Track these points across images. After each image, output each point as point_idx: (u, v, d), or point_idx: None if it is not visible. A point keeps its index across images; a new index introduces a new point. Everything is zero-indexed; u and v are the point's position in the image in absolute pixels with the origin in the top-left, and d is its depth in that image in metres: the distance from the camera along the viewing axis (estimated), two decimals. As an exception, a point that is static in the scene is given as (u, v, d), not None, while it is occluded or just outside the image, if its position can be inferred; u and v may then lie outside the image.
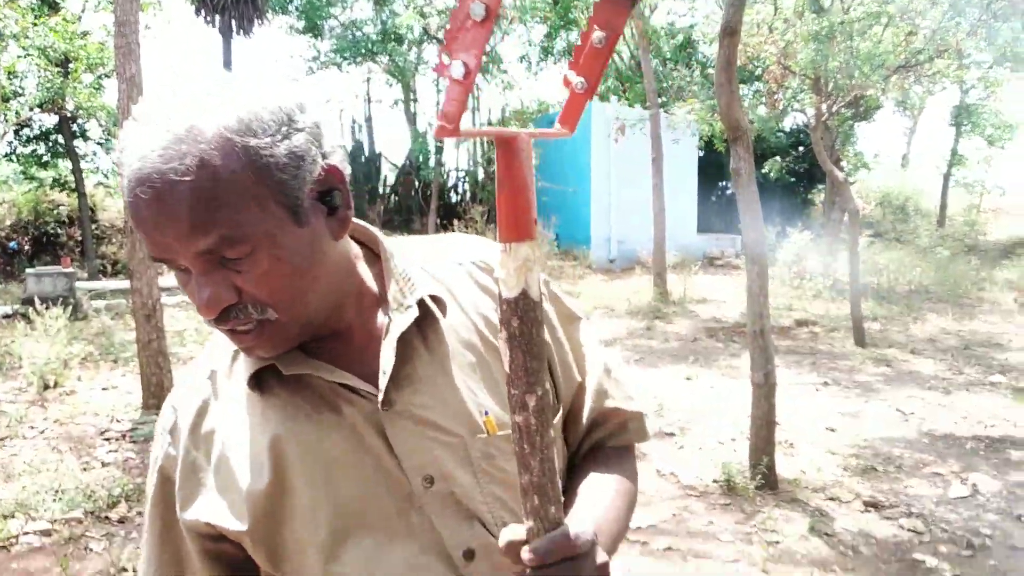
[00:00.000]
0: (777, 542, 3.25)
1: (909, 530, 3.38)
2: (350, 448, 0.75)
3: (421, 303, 0.79)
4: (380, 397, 0.75)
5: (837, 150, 12.38)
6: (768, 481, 3.79)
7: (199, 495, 0.78)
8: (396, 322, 0.77)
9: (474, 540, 0.77)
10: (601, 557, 0.68)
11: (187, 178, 0.63)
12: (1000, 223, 19.42)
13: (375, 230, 0.86)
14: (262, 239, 0.67)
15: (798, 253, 11.48)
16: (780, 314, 9.09)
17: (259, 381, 0.77)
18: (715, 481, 3.95)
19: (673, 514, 3.59)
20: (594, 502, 0.85)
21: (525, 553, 0.63)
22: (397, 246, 0.86)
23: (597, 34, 0.56)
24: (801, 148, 17.19)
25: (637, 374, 6.47)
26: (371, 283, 0.83)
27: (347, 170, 0.75)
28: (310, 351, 0.78)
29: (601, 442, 0.95)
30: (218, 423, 0.79)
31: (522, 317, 0.60)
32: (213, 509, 0.77)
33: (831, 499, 3.74)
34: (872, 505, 3.65)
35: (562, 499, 0.66)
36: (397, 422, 0.76)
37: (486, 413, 0.79)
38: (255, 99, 0.68)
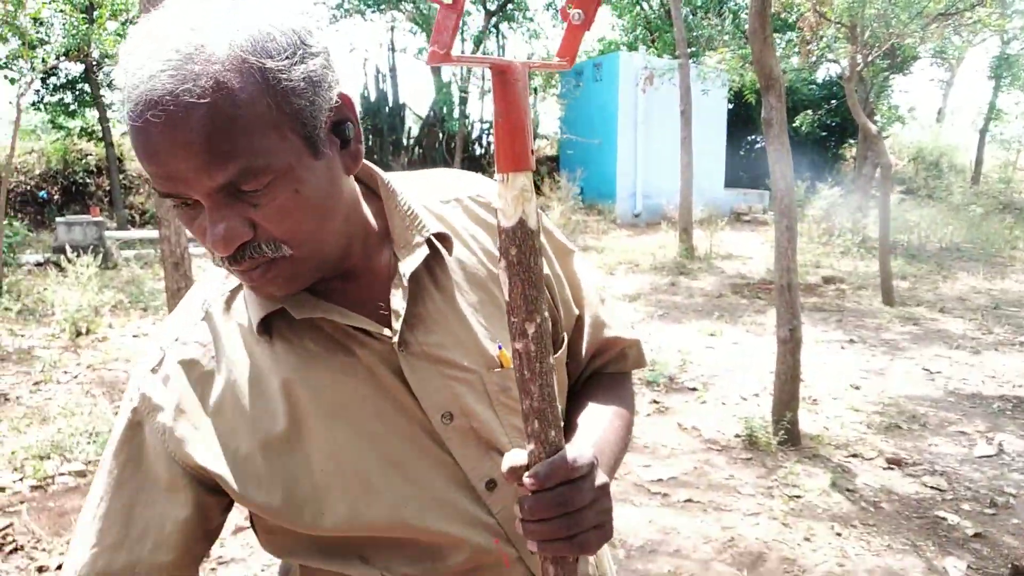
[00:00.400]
0: (798, 496, 3.26)
1: (932, 487, 3.37)
2: (367, 390, 0.75)
3: (428, 242, 0.78)
4: (396, 339, 0.74)
5: (871, 103, 12.03)
6: (791, 436, 3.79)
7: (196, 441, 0.74)
8: (405, 262, 0.76)
9: (495, 471, 0.77)
10: (601, 479, 0.69)
11: (203, 101, 0.57)
12: (1038, 180, 18.87)
13: (372, 165, 0.83)
14: (281, 171, 0.63)
15: (827, 209, 11.27)
16: (807, 271, 8.97)
17: (266, 325, 0.75)
18: (737, 436, 3.96)
19: (694, 467, 3.61)
20: (594, 427, 0.85)
21: (526, 477, 0.65)
22: (395, 182, 0.83)
23: None
24: (833, 101, 16.72)
25: (660, 329, 6.45)
26: (373, 221, 0.80)
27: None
28: (318, 292, 0.75)
29: (600, 370, 0.97)
30: (216, 366, 0.76)
31: (520, 246, 0.60)
32: (213, 456, 0.74)
33: (854, 455, 3.73)
34: (895, 462, 3.65)
35: (562, 423, 0.66)
36: (414, 363, 0.75)
37: (499, 347, 0.80)
38: (265, 19, 0.62)
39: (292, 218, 0.66)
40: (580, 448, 0.67)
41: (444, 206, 0.86)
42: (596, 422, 0.87)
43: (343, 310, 0.74)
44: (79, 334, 5.84)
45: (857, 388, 4.81)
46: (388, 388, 0.75)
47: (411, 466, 0.75)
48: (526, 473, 0.65)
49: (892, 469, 3.59)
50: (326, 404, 0.74)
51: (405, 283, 0.75)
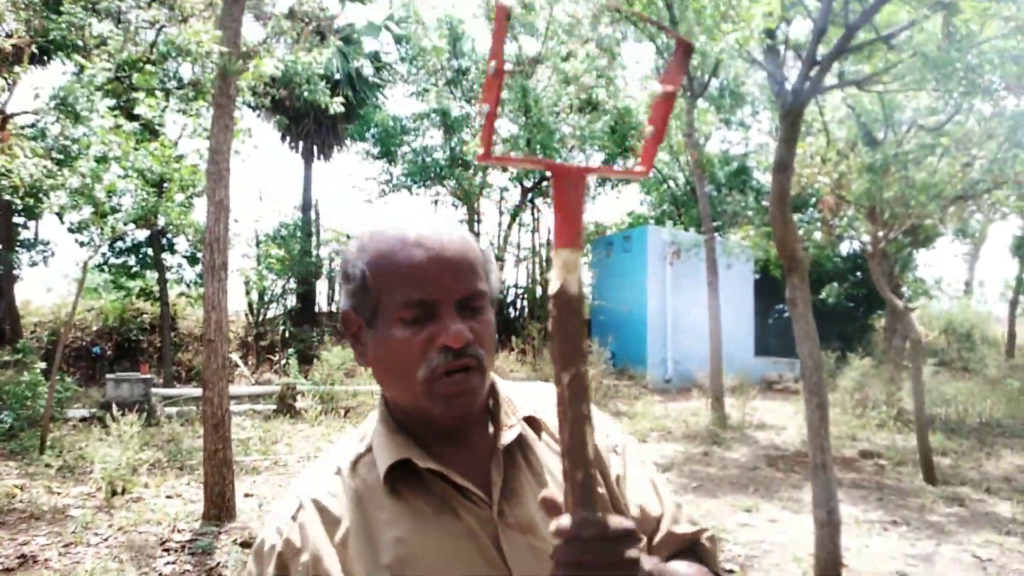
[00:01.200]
0: None
1: None
2: (466, 551, 0.86)
3: (522, 422, 0.94)
4: (495, 509, 0.87)
5: (896, 276, 12.28)
6: (834, 629, 3.61)
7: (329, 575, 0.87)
8: (503, 437, 0.91)
9: None
10: (645, 563, 0.73)
11: (465, 242, 0.90)
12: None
13: None
14: (488, 303, 0.91)
15: (860, 380, 11.19)
16: (843, 444, 8.79)
17: (389, 480, 0.89)
18: (777, 626, 3.78)
19: (733, 660, 3.44)
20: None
21: (553, 525, 0.69)
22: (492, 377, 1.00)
23: (666, 89, 0.71)
24: (859, 273, 17.06)
25: (695, 503, 6.30)
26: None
27: None
28: (435, 456, 0.90)
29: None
30: (342, 513, 0.89)
31: (560, 307, 0.70)
32: None
33: (903, 653, 3.53)
34: (949, 662, 3.43)
35: (598, 488, 0.74)
36: (509, 533, 0.87)
37: None
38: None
39: (490, 337, 0.91)
40: (623, 520, 0.70)
41: (539, 402, 1.00)
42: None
43: (453, 472, 0.89)
44: (115, 493, 5.90)
45: (903, 576, 4.60)
46: (484, 550, 0.86)
47: None
48: (556, 521, 0.69)
49: (946, 670, 3.37)
50: (429, 560, 0.85)
51: (500, 456, 0.90)
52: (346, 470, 0.93)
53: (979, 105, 8.87)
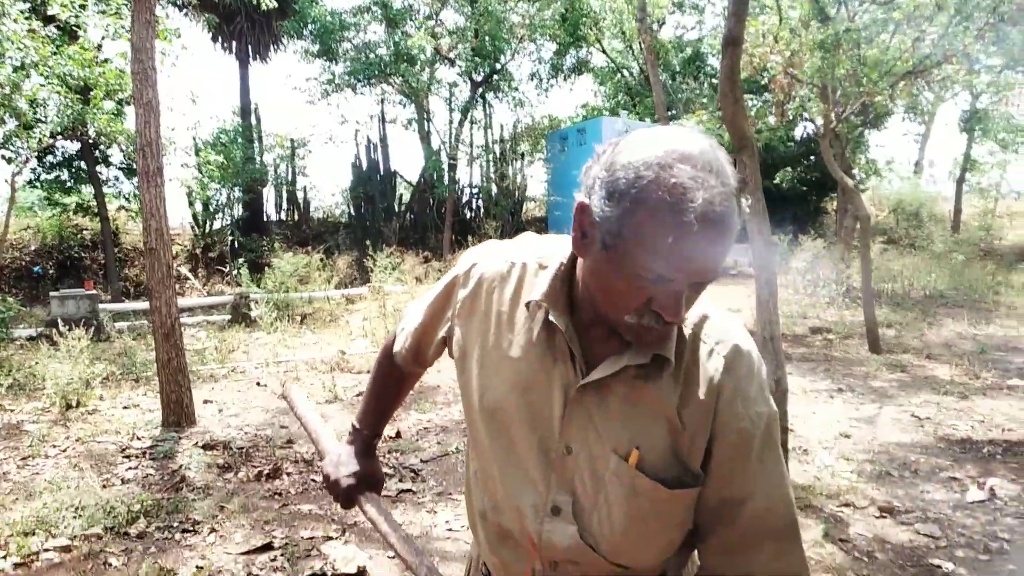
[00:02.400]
0: (791, 548, 3.24)
1: (925, 535, 3.37)
2: (542, 387, 1.01)
3: (653, 356, 0.96)
4: (582, 381, 0.98)
5: (848, 158, 12.36)
6: (782, 488, 3.78)
7: (461, 318, 1.14)
8: (634, 352, 0.96)
9: (565, 506, 1.01)
10: None
11: (731, 231, 0.83)
12: (1016, 227, 19.23)
13: None
14: None
15: (811, 261, 11.44)
16: (794, 322, 9.06)
17: (530, 304, 1.03)
18: (729, 488, 3.94)
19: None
20: None
21: None
22: None
23: None
24: (812, 157, 17.16)
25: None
26: None
27: None
28: (575, 318, 1.01)
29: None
30: (495, 293, 1.10)
31: None
32: (460, 332, 1.14)
33: (845, 505, 3.73)
34: (887, 511, 3.64)
35: None
36: (579, 405, 0.99)
37: (637, 447, 0.97)
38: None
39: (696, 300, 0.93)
40: None
41: (703, 346, 1.00)
42: None
43: (574, 336, 1.00)
44: (69, 407, 5.81)
45: (847, 437, 4.83)
46: (552, 398, 1.01)
47: (522, 462, 1.04)
48: None
49: (885, 517, 3.58)
50: (511, 368, 1.05)
51: (624, 360, 0.95)
52: (518, 268, 1.10)
53: (930, -24, 8.69)
